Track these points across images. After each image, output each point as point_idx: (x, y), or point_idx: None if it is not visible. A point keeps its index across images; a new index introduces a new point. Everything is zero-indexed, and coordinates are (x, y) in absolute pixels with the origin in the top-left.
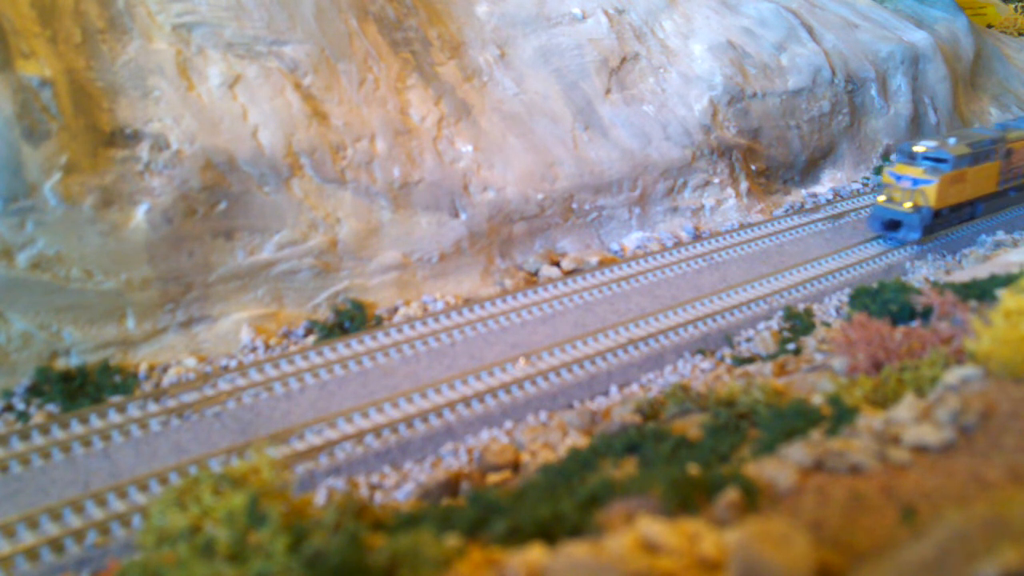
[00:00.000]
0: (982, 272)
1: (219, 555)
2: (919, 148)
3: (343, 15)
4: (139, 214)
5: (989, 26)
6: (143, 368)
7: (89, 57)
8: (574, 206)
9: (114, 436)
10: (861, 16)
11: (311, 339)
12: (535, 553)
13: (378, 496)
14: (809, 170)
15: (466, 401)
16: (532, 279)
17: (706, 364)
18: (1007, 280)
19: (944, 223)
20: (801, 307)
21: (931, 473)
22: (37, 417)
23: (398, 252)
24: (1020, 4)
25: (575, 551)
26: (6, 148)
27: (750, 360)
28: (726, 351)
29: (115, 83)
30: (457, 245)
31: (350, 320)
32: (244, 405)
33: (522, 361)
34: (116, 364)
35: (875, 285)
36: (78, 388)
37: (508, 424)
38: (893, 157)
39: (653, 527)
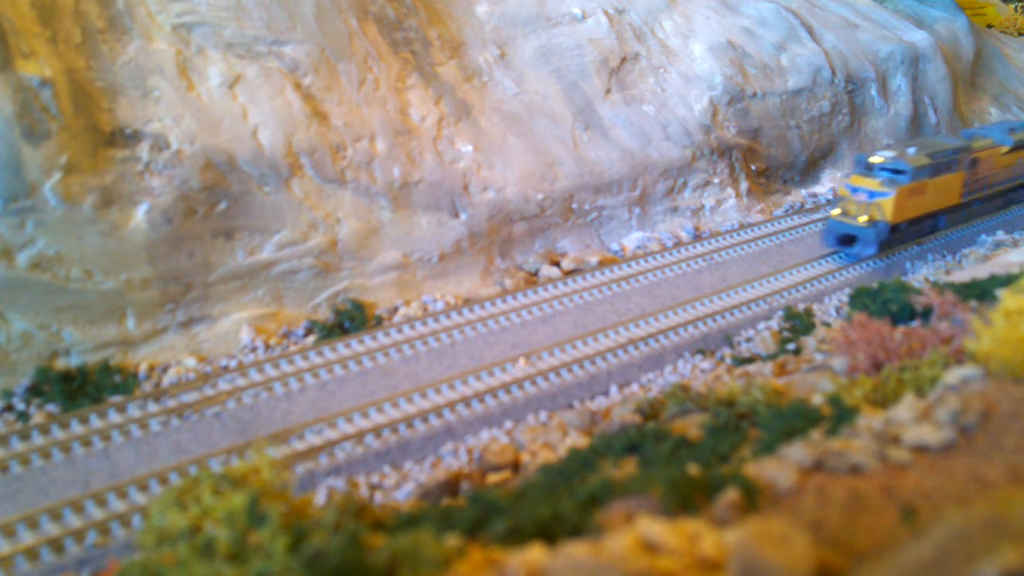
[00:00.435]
0: (982, 272)
1: (219, 555)
2: (876, 159)
3: (343, 15)
4: (139, 214)
5: (989, 26)
6: (143, 368)
7: (89, 57)
8: (574, 206)
9: (114, 436)
10: (861, 16)
11: (311, 339)
12: (535, 553)
13: (378, 496)
14: (809, 170)
15: (466, 401)
16: (532, 279)
17: (706, 364)
18: (1007, 280)
19: (902, 237)
20: (801, 307)
21: (931, 473)
22: (37, 417)
23: (398, 252)
24: (1020, 4)
25: (575, 551)
26: (6, 148)
27: (750, 360)
28: (726, 351)
29: (115, 83)
30: (457, 245)
31: (350, 320)
32: (244, 405)
33: (522, 361)
34: (116, 364)
35: (875, 285)
36: (78, 388)
37: (508, 424)
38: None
39: (653, 527)
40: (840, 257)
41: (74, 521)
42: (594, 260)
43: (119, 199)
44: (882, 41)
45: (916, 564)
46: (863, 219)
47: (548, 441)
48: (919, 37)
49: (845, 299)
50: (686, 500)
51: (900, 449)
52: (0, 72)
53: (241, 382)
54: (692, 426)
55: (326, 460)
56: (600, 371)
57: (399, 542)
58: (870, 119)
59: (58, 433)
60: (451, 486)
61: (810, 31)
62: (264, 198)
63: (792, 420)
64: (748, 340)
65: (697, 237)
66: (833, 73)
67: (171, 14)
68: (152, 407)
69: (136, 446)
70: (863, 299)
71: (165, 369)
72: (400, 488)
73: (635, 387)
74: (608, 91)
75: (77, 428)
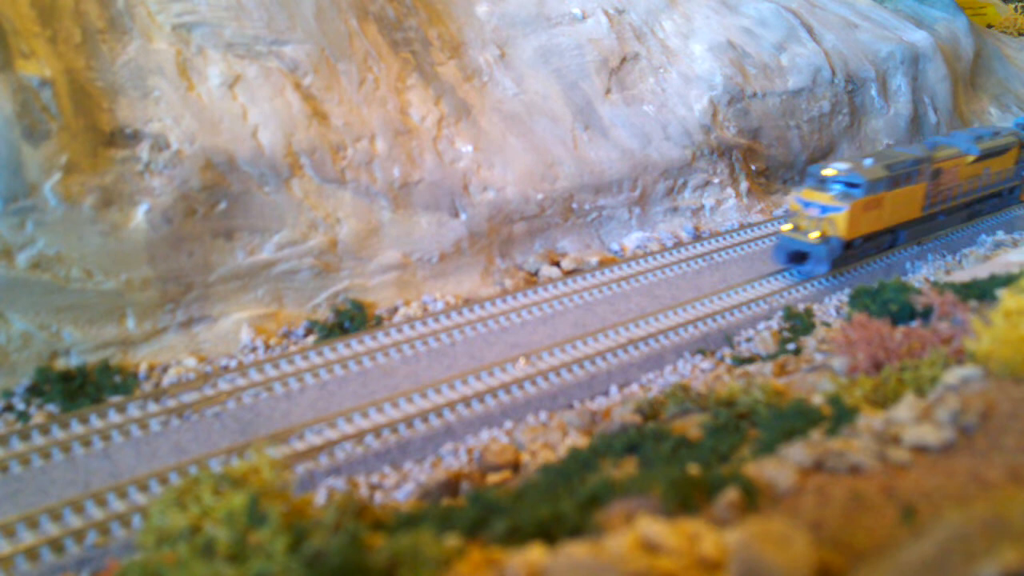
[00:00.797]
0: (982, 272)
1: (219, 555)
2: (829, 171)
3: (343, 15)
4: (139, 214)
5: (989, 26)
6: (143, 368)
7: (89, 57)
8: (574, 206)
9: (114, 436)
10: (861, 16)
11: (311, 339)
12: (535, 553)
13: (378, 496)
14: None
15: (466, 401)
16: (532, 279)
17: (706, 364)
18: (1007, 280)
19: (858, 254)
20: (801, 307)
21: (931, 473)
22: (37, 417)
23: (398, 252)
24: (1020, 4)
25: (575, 551)
26: (6, 148)
27: (750, 360)
28: (726, 351)
29: (115, 83)
30: (457, 245)
31: (350, 320)
32: (244, 405)
33: (522, 361)
34: (116, 364)
35: (875, 285)
36: (78, 388)
37: (508, 424)
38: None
39: (653, 527)
40: (792, 275)
41: (74, 521)
42: (594, 260)
43: (119, 199)
44: (882, 41)
45: (916, 564)
46: (815, 235)
47: (548, 441)
48: (919, 37)
49: (845, 299)
50: (686, 500)
51: (900, 449)
52: (0, 72)
53: (241, 382)
54: (692, 426)
55: (326, 460)
56: (600, 371)
57: (399, 542)
58: (870, 119)
59: (58, 433)
60: (451, 486)
61: (810, 31)
62: (264, 198)
63: (792, 420)
64: (748, 340)
65: (697, 237)
66: (833, 73)
67: (171, 14)
68: (152, 407)
69: (136, 446)
70: (863, 299)
71: (165, 369)
72: (400, 488)
73: (635, 387)
74: (608, 91)
75: (77, 428)
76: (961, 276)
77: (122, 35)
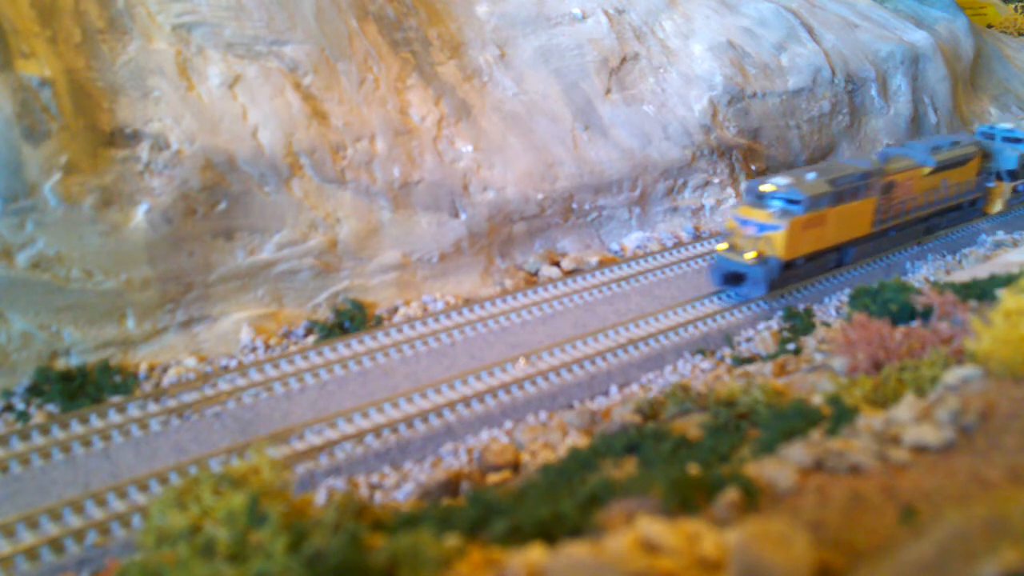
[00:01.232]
0: (982, 272)
1: (219, 555)
2: (767, 187)
3: (343, 15)
4: (139, 214)
5: (989, 26)
6: (143, 368)
7: (89, 57)
8: (574, 206)
9: (114, 436)
10: (861, 16)
11: (311, 339)
12: (535, 553)
13: (378, 496)
14: None
15: (466, 401)
16: (532, 279)
17: (706, 364)
18: (1007, 280)
19: (799, 274)
20: (801, 307)
21: (931, 473)
22: (37, 417)
23: (398, 252)
24: (1020, 4)
25: (575, 551)
26: (6, 148)
27: (750, 360)
28: (726, 351)
29: (115, 83)
30: (457, 245)
31: (350, 320)
32: (244, 405)
33: (522, 361)
34: (116, 364)
35: (875, 285)
36: (78, 388)
37: (508, 424)
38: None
39: (653, 527)
40: (730, 296)
41: (74, 521)
42: (594, 260)
43: (119, 199)
44: (882, 41)
45: (916, 564)
46: (751, 256)
47: (548, 441)
48: (919, 37)
49: (845, 299)
50: (686, 500)
51: (900, 449)
52: (0, 72)
53: (241, 382)
54: (692, 426)
55: (326, 460)
56: (600, 371)
57: (399, 542)
58: (870, 119)
59: (58, 433)
60: (451, 486)
61: (810, 31)
62: (264, 198)
63: (792, 420)
64: (748, 340)
65: (697, 237)
66: (833, 73)
67: (171, 14)
68: (152, 407)
69: (136, 446)
70: (863, 299)
71: (165, 369)
72: (400, 488)
73: (635, 387)
74: (608, 91)
75: (77, 428)
76: (961, 276)
77: (122, 35)
